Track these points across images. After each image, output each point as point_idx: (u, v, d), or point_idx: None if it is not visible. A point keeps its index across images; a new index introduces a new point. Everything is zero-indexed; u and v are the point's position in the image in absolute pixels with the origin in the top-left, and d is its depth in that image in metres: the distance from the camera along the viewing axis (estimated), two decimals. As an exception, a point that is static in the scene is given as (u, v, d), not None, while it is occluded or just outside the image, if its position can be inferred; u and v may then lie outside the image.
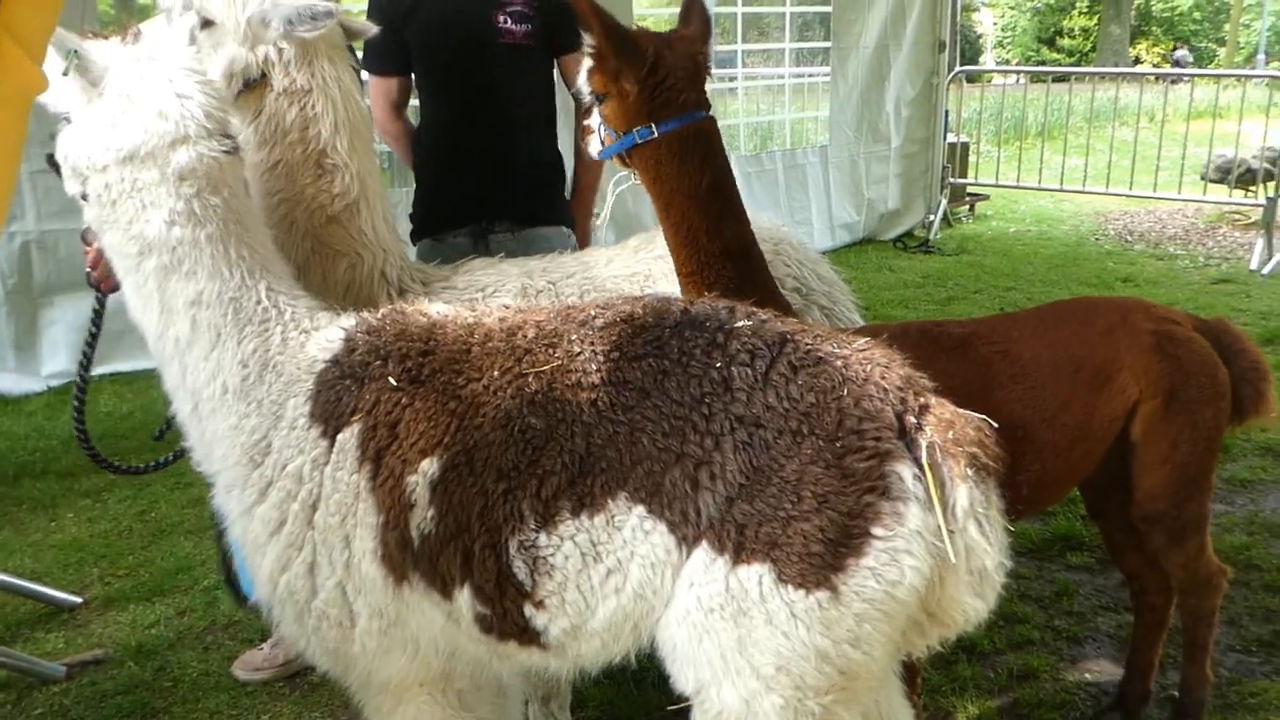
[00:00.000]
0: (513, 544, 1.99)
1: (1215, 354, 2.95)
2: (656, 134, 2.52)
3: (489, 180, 3.65)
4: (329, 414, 2.15)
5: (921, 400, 1.97)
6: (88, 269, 2.83)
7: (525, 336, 2.15)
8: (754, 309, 2.15)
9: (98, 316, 2.99)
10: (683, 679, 1.99)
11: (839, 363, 1.96)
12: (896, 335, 2.68)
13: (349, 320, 2.30)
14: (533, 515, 1.98)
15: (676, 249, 2.60)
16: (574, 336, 2.11)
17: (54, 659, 3.76)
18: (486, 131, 3.64)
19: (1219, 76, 19.82)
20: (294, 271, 2.60)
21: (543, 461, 1.99)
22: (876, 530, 1.85)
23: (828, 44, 10.56)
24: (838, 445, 1.87)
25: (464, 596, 2.05)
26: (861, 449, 1.87)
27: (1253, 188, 11.01)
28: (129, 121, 2.19)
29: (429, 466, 2.05)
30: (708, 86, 2.65)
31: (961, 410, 2.01)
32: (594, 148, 2.70)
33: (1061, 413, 2.78)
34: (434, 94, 3.72)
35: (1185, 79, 19.69)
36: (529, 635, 2.05)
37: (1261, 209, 10.06)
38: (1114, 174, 11.66)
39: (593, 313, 2.16)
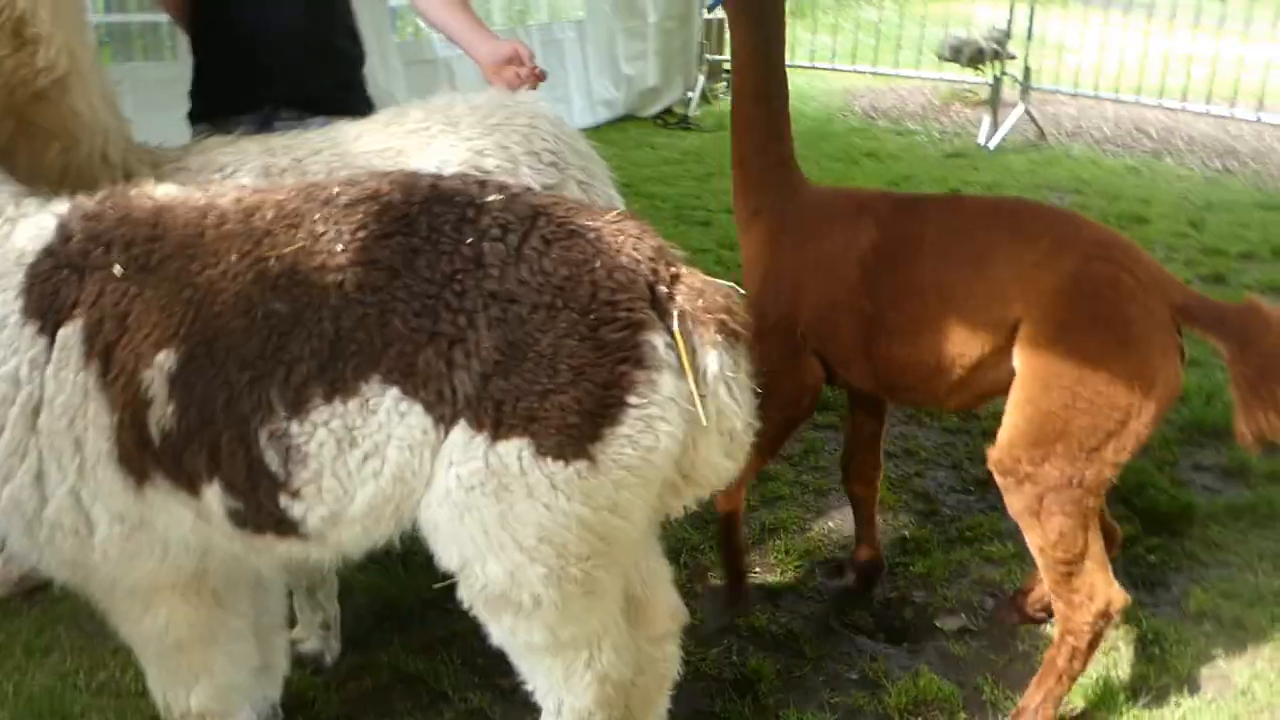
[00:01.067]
0: (263, 434, 1.93)
1: (1157, 327, 2.59)
2: None
3: (271, 57, 3.30)
4: (45, 309, 1.98)
5: (673, 270, 2.02)
6: None
7: (264, 218, 2.04)
8: (505, 184, 2.13)
9: None
10: (447, 557, 2.01)
11: (591, 235, 1.97)
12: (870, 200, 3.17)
13: (62, 206, 2.11)
14: (282, 404, 1.92)
15: (732, 78, 3.39)
16: (317, 216, 2.02)
17: None
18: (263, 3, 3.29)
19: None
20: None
21: (290, 347, 1.91)
22: (631, 399, 1.90)
23: (583, -86, 10.32)
24: (591, 317, 1.89)
25: (213, 492, 1.98)
26: (615, 320, 1.90)
27: (982, 67, 11.74)
28: None
29: (165, 359, 1.94)
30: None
31: (711, 279, 2.07)
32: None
33: (933, 292, 2.78)
34: None
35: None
36: (286, 526, 2.01)
37: (989, 87, 10.77)
38: (860, 52, 12.12)
39: (336, 190, 2.07)
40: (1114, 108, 11.60)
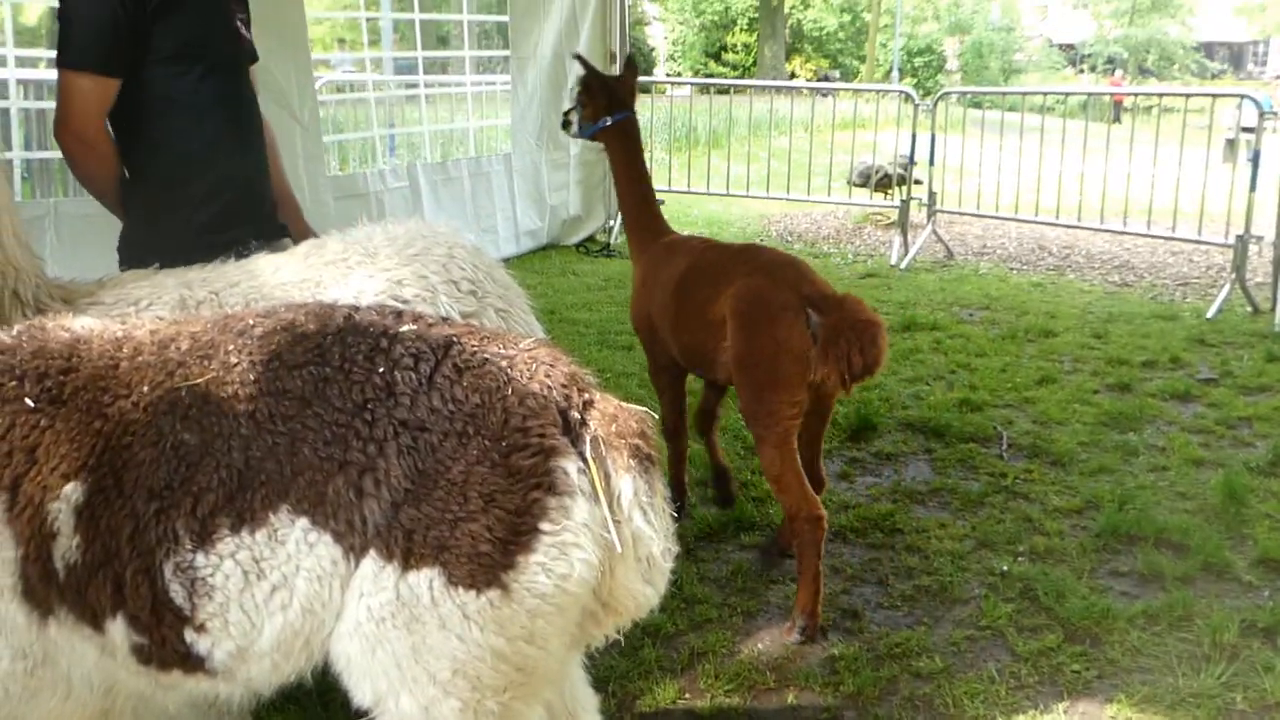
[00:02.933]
0: (168, 567, 1.89)
1: (790, 312, 3.80)
2: (610, 122, 4.78)
3: (251, 194, 3.53)
4: None
5: (585, 396, 2.05)
6: None
7: (179, 349, 2.05)
8: (421, 314, 2.17)
9: None
10: (360, 692, 1.97)
11: (504, 363, 2.00)
12: (688, 243, 4.72)
13: None
14: (188, 535, 1.89)
15: (615, 179, 4.94)
16: (231, 347, 2.03)
17: None
18: (247, 142, 3.53)
19: (859, 90, 21.96)
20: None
21: (197, 478, 1.90)
22: (544, 525, 1.90)
23: (507, 53, 10.66)
24: (503, 444, 1.90)
25: (117, 627, 1.93)
26: (526, 446, 1.91)
27: (890, 191, 12.25)
28: None
29: (72, 491, 1.91)
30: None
31: (625, 404, 2.11)
32: (574, 131, 4.92)
33: (698, 300, 4.17)
34: (187, 100, 3.41)
35: (834, 93, 21.60)
36: (192, 662, 1.95)
37: (897, 210, 11.22)
38: (774, 179, 12.57)
39: (251, 321, 2.09)
40: (1016, 227, 12.16)
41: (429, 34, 10.94)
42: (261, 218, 3.63)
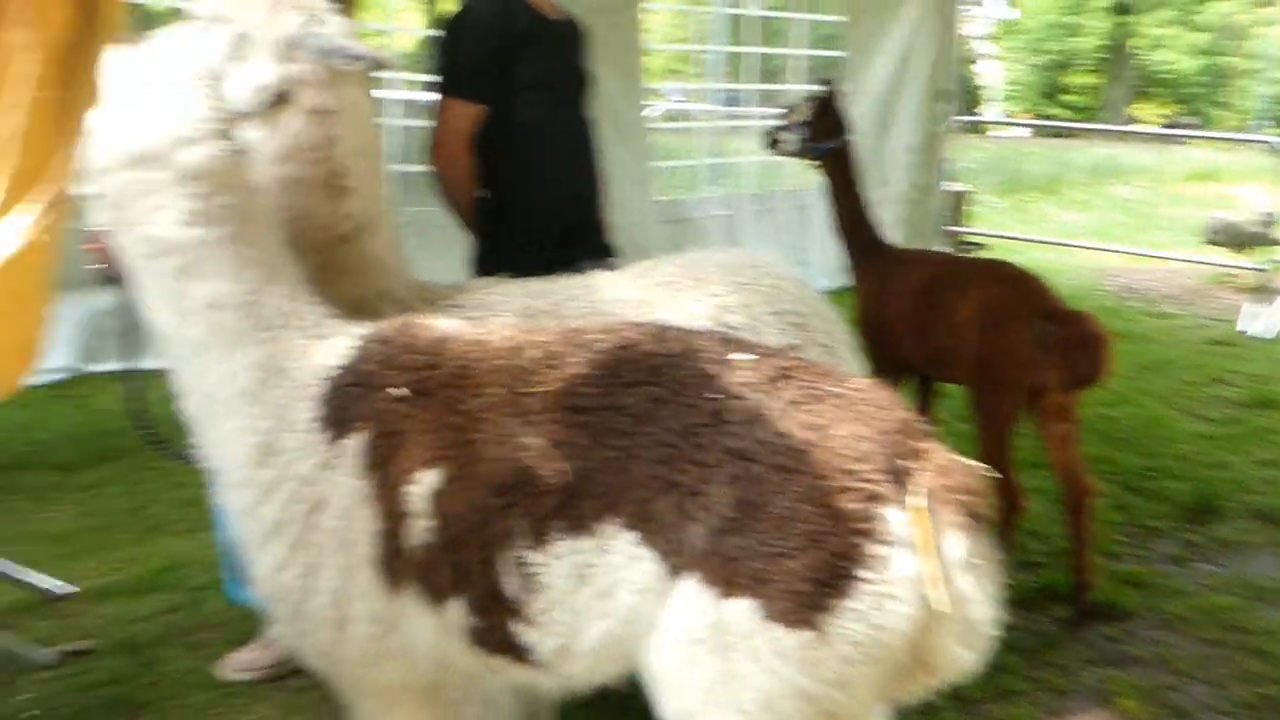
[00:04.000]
0: (505, 560, 2.02)
1: (1020, 320, 4.20)
2: (842, 142, 5.07)
3: (589, 216, 3.84)
4: (337, 420, 2.19)
5: (917, 444, 1.97)
6: (99, 264, 2.80)
7: (528, 356, 2.18)
8: (757, 344, 2.19)
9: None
10: (666, 706, 2.00)
11: (837, 401, 1.98)
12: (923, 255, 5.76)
13: (361, 329, 2.36)
14: (525, 533, 2.01)
15: (832, 204, 5.16)
16: (574, 359, 2.14)
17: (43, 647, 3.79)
18: (590, 167, 3.83)
19: (1217, 139, 20.13)
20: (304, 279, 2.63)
21: (537, 481, 2.01)
22: (863, 573, 1.84)
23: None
24: (829, 484, 1.87)
25: (456, 608, 2.09)
26: (853, 489, 1.87)
27: (1249, 251, 11.11)
28: (138, 124, 2.23)
29: (428, 478, 2.09)
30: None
31: (958, 457, 2.01)
32: (791, 149, 5.16)
33: (946, 306, 4.52)
34: (541, 127, 3.73)
35: (1184, 140, 19.93)
36: (519, 651, 2.08)
37: (1257, 273, 10.14)
38: (1113, 231, 11.72)
39: (595, 336, 2.20)
40: (1404, 302, 10.63)
41: (760, 67, 11.12)
42: (595, 237, 3.88)
